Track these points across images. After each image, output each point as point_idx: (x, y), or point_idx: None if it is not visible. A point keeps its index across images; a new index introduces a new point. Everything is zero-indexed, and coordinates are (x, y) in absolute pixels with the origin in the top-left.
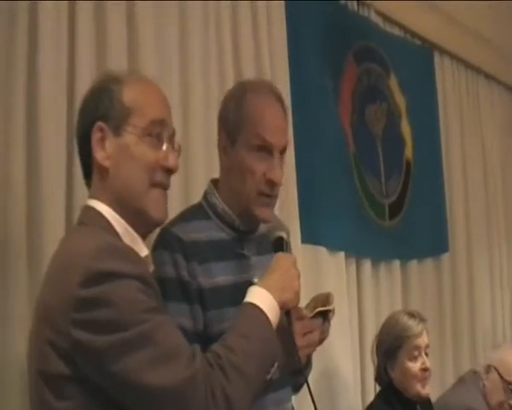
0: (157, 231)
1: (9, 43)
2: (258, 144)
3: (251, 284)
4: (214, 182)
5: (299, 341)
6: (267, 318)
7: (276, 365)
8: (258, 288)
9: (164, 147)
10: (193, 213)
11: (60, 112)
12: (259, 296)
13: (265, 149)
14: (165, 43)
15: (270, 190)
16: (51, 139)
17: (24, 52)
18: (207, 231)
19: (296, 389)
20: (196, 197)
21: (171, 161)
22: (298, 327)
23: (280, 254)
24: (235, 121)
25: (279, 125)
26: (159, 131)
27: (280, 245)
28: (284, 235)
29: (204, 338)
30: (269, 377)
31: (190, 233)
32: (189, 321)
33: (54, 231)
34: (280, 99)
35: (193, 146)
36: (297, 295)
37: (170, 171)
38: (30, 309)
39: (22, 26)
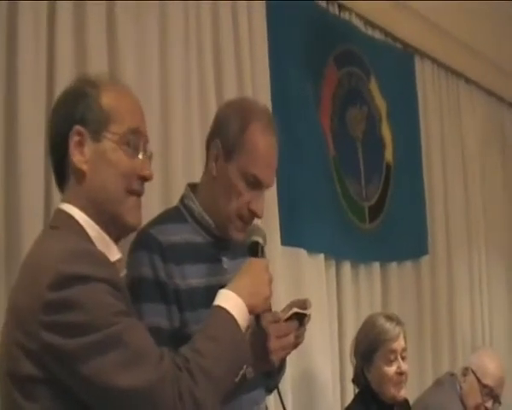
0: (133, 233)
1: None
2: (250, 175)
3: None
4: (192, 186)
5: (274, 343)
6: (236, 321)
7: (244, 367)
8: (228, 291)
9: (140, 156)
10: (170, 216)
11: (39, 113)
12: (229, 300)
13: (255, 183)
14: (144, 42)
15: (248, 219)
16: (30, 141)
17: (3, 52)
18: (184, 234)
19: (270, 390)
20: (176, 201)
21: (146, 170)
22: (273, 330)
23: (252, 259)
24: (234, 142)
25: (273, 166)
26: (135, 139)
27: (255, 250)
28: (260, 240)
29: (180, 338)
30: (237, 379)
31: (168, 235)
32: (165, 321)
33: (32, 235)
34: (276, 133)
35: (172, 147)
36: (266, 300)
37: (145, 179)
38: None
39: (1, 27)
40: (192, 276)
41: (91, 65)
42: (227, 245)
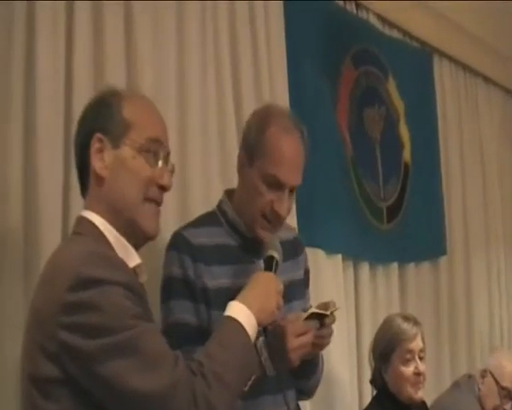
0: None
1: (7, 44)
2: (270, 176)
3: None
4: (228, 192)
5: (292, 342)
6: (247, 332)
7: (253, 377)
8: (239, 303)
9: (159, 164)
10: (205, 220)
11: (57, 114)
12: (239, 312)
13: (277, 185)
14: (162, 42)
15: (273, 219)
16: (48, 148)
17: (21, 52)
18: (217, 237)
19: (306, 394)
20: (193, 211)
21: (165, 179)
22: (291, 329)
23: (263, 273)
24: (254, 146)
25: (295, 166)
26: (155, 148)
27: (269, 264)
28: (276, 255)
29: (207, 334)
30: (246, 388)
31: (199, 237)
32: (193, 318)
33: (50, 240)
34: (300, 132)
35: (190, 154)
36: (272, 314)
37: (163, 188)
38: (25, 312)
39: (19, 26)
40: (221, 276)
41: (109, 65)
42: (260, 248)
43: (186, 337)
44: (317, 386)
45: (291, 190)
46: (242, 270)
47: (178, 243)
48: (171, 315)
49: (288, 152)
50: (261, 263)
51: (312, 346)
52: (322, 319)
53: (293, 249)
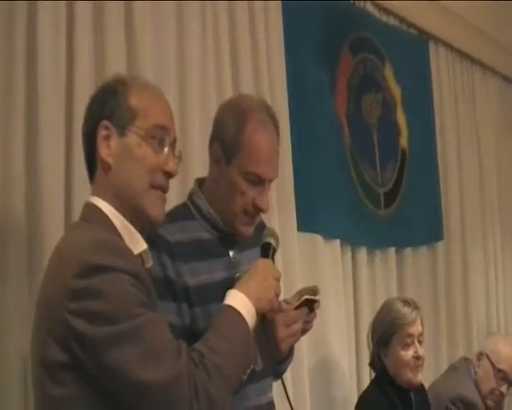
0: None
1: (9, 42)
2: (251, 174)
3: (235, 280)
4: (200, 181)
5: (283, 332)
6: (245, 321)
7: (251, 366)
8: (237, 291)
9: (165, 151)
10: (178, 214)
11: (59, 111)
12: (238, 300)
13: (257, 180)
14: (162, 41)
15: (254, 214)
16: (50, 143)
17: (23, 52)
18: (192, 232)
19: (278, 376)
20: None
21: (171, 166)
22: (281, 319)
23: (260, 260)
24: (232, 143)
25: (273, 160)
26: (161, 135)
27: (266, 251)
28: (273, 241)
29: (190, 333)
30: (245, 377)
31: (176, 234)
32: (176, 318)
33: (53, 228)
34: (275, 125)
35: (191, 148)
36: (271, 302)
37: (169, 175)
38: (30, 303)
39: (21, 26)
40: (201, 272)
41: (109, 61)
42: (234, 239)
43: None
44: (288, 367)
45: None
46: (222, 263)
47: (156, 241)
48: None
49: (267, 147)
50: (235, 254)
51: None
52: (311, 304)
53: (258, 235)
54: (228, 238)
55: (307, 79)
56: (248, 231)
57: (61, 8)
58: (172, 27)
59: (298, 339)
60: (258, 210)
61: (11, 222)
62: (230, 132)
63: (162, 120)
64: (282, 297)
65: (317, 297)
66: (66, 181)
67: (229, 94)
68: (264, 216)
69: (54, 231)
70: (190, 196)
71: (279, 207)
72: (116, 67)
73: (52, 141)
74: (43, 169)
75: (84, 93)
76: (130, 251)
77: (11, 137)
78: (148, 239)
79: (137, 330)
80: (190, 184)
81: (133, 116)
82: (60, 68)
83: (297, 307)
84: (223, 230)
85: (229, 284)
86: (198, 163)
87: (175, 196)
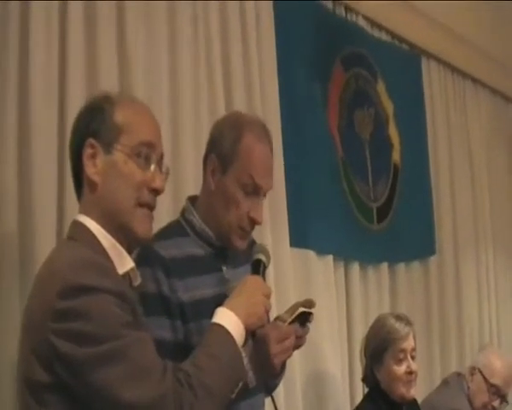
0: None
1: (1, 44)
2: (247, 184)
3: (226, 296)
4: (191, 199)
5: (275, 348)
6: (234, 339)
7: (240, 385)
8: (226, 309)
9: (151, 168)
10: (172, 231)
11: (51, 114)
12: (227, 318)
13: (253, 189)
14: (154, 41)
15: (249, 227)
16: (42, 151)
17: (15, 52)
18: (186, 248)
19: (269, 392)
20: None
21: (157, 183)
22: (273, 335)
23: (249, 277)
24: (229, 153)
25: (269, 170)
26: (147, 152)
27: (257, 268)
28: (263, 258)
29: (184, 349)
30: (233, 396)
31: (170, 250)
32: (169, 333)
33: (45, 242)
34: (270, 142)
35: (183, 157)
36: (261, 319)
37: (156, 192)
38: (21, 318)
39: (13, 26)
40: (195, 288)
41: (102, 65)
42: (227, 255)
43: (163, 354)
44: (279, 383)
45: (264, 195)
46: (215, 279)
47: (150, 257)
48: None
49: (263, 157)
50: (228, 270)
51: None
52: (305, 318)
53: (251, 252)
54: (221, 253)
55: (299, 92)
56: (242, 244)
57: (54, 9)
58: (164, 35)
59: (290, 355)
60: (252, 222)
61: (3, 236)
62: (227, 143)
63: (148, 137)
64: (274, 313)
65: (312, 310)
66: (58, 195)
67: (221, 110)
68: (256, 232)
69: (46, 245)
70: (183, 213)
71: (271, 223)
72: (108, 72)
73: (44, 152)
74: (35, 183)
75: (77, 98)
76: (115, 271)
77: (3, 149)
78: (142, 255)
79: (122, 350)
80: (182, 201)
81: (118, 133)
82: (52, 73)
83: (293, 321)
84: (216, 245)
85: (222, 299)
86: (190, 173)
87: (166, 213)
